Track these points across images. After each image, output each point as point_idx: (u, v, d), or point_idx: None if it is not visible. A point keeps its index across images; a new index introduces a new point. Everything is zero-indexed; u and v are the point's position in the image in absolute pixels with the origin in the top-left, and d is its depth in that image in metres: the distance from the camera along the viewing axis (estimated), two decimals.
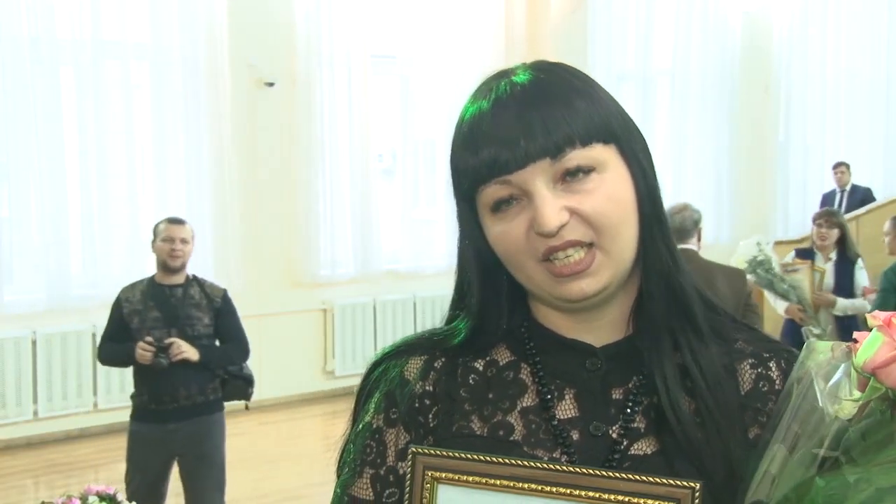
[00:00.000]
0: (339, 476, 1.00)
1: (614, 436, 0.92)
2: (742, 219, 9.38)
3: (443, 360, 0.99)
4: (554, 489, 0.83)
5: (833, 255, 5.52)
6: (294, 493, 5.40)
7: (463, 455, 0.86)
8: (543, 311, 0.99)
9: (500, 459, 0.85)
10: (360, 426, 1.00)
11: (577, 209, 0.89)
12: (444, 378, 0.98)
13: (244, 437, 5.87)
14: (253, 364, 4.31)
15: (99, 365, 5.28)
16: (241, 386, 4.18)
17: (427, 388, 0.98)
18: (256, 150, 7.13)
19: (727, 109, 9.42)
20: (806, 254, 5.61)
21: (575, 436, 0.93)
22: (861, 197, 8.99)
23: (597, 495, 0.82)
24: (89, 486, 2.86)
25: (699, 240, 4.27)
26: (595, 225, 0.89)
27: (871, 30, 9.98)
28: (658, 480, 0.81)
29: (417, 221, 7.95)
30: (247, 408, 4.55)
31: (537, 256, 0.90)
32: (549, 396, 0.95)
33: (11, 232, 6.36)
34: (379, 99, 7.78)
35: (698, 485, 0.80)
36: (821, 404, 0.81)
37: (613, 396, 0.95)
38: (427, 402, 0.97)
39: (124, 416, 4.29)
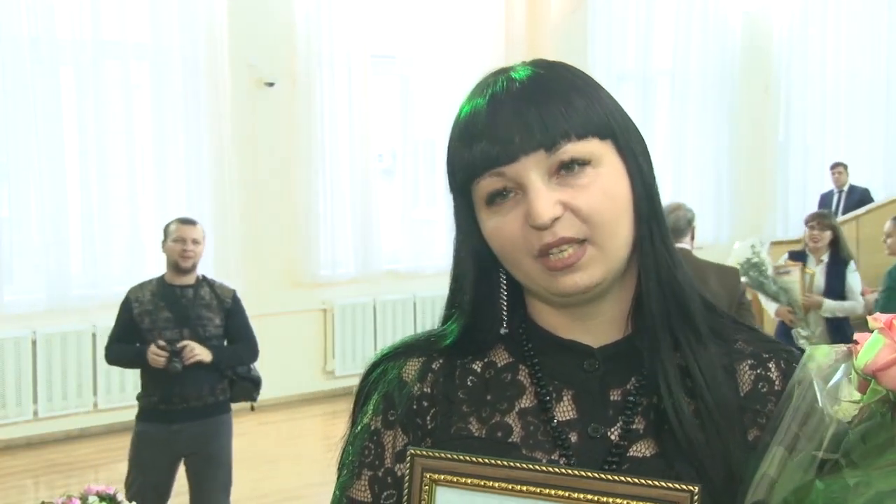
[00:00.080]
0: (338, 478, 1.00)
1: (613, 438, 0.92)
2: (741, 219, 9.38)
3: (441, 361, 0.99)
4: (552, 492, 0.83)
5: (825, 258, 5.51)
6: (294, 493, 5.40)
7: (461, 457, 0.86)
8: (541, 311, 0.99)
9: (499, 462, 0.85)
10: (359, 428, 1.00)
11: (571, 204, 0.88)
12: (442, 380, 0.98)
13: (244, 437, 5.86)
14: None
15: (99, 365, 5.28)
16: (249, 388, 4.19)
17: (425, 389, 0.97)
18: (256, 150, 7.13)
19: (727, 109, 9.42)
20: (799, 256, 5.60)
21: (573, 438, 0.92)
22: (859, 197, 8.99)
23: (595, 498, 0.81)
24: (89, 486, 2.86)
25: (693, 239, 4.35)
26: (589, 220, 0.89)
27: (871, 30, 9.99)
28: (656, 483, 0.80)
29: (417, 221, 7.94)
30: (252, 409, 4.55)
31: (532, 253, 0.90)
32: (547, 398, 0.94)
33: (11, 232, 6.36)
34: (379, 99, 7.78)
35: (696, 488, 0.79)
36: (821, 405, 0.81)
37: (612, 398, 0.94)
38: (425, 403, 0.97)
39: (124, 416, 4.29)
